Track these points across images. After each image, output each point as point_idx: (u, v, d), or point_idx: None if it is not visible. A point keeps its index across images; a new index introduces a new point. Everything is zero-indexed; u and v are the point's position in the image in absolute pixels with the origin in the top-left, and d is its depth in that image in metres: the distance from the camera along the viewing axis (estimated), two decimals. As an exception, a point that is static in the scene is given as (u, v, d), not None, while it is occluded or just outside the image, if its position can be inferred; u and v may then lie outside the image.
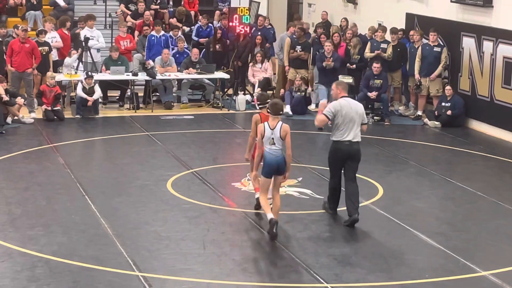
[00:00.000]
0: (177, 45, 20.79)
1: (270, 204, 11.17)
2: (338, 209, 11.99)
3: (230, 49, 21.11)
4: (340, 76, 19.30)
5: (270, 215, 10.85)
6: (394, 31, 19.44)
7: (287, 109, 18.89)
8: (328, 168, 12.01)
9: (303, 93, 19.36)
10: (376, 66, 18.68)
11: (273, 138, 11.03)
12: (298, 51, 20.02)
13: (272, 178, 11.16)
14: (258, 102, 12.03)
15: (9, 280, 9.39)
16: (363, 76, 19.49)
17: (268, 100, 11.67)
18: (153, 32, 20.71)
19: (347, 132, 11.49)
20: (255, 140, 11.53)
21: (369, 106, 18.98)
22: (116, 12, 23.15)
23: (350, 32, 20.56)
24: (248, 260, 10.21)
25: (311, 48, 20.30)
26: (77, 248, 10.41)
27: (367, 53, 19.55)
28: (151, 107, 19.47)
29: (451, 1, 18.71)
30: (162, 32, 20.86)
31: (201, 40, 21.86)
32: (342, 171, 11.77)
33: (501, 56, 17.36)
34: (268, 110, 11.20)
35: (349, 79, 19.44)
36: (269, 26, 22.44)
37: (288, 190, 13.10)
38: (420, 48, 18.84)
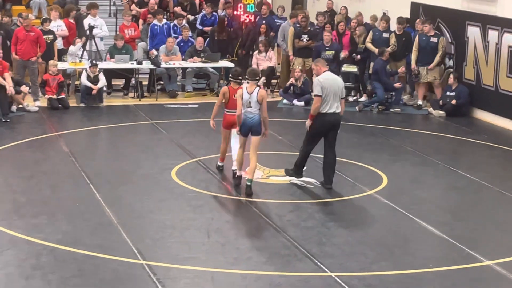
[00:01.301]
0: (181, 34, 20.76)
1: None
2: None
3: (233, 38, 21.07)
4: (344, 65, 19.33)
5: (240, 172, 12.58)
6: (400, 21, 19.37)
7: (296, 102, 18.91)
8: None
9: (302, 85, 19.13)
10: (388, 51, 18.71)
11: (250, 102, 12.27)
12: (305, 40, 19.94)
13: (251, 138, 12.48)
14: (231, 75, 13.24)
15: (14, 268, 9.42)
16: (370, 66, 19.35)
17: (240, 77, 13.00)
18: (156, 21, 20.68)
19: (330, 104, 12.35)
20: (218, 108, 13.08)
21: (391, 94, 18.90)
22: (121, 0, 23.11)
23: (355, 21, 20.52)
24: (252, 249, 10.22)
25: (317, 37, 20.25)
26: (81, 237, 10.43)
27: (368, 43, 19.43)
28: (155, 95, 19.47)
29: (456, -10, 18.69)
30: (165, 21, 20.83)
31: (206, 28, 21.83)
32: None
33: (506, 46, 17.32)
34: (247, 77, 12.50)
35: (353, 69, 19.46)
36: (283, 17, 22.33)
37: (292, 179, 13.08)
38: (417, 38, 18.84)
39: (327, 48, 19.14)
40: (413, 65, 18.86)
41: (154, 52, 19.84)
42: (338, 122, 12.54)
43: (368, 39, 19.52)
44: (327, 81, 12.36)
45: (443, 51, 18.68)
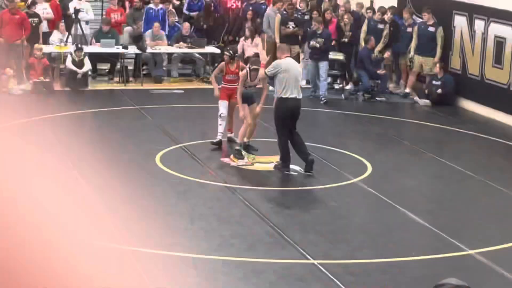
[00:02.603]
0: (168, 19, 20.65)
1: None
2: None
3: (219, 24, 20.99)
4: (331, 53, 19.24)
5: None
6: (393, 12, 19.26)
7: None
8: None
9: None
10: (373, 40, 18.66)
11: None
12: (291, 27, 19.83)
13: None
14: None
15: None
16: (357, 55, 19.27)
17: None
18: (151, 5, 20.54)
19: (291, 89, 12.47)
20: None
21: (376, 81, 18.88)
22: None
23: (342, 8, 20.42)
24: (235, 236, 10.20)
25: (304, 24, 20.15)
26: (64, 221, 10.36)
27: (363, 36, 19.21)
28: (141, 80, 19.39)
29: (444, -21, 18.64)
30: (161, 6, 20.65)
31: (192, 14, 21.74)
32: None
33: (492, 35, 17.32)
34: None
35: (340, 56, 19.39)
36: (262, 1, 22.27)
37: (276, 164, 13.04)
38: (416, 26, 18.76)
39: (318, 35, 18.83)
40: (412, 53, 18.78)
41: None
42: (299, 108, 12.66)
43: (364, 28, 19.33)
44: (288, 65, 12.56)
45: (442, 41, 18.50)
